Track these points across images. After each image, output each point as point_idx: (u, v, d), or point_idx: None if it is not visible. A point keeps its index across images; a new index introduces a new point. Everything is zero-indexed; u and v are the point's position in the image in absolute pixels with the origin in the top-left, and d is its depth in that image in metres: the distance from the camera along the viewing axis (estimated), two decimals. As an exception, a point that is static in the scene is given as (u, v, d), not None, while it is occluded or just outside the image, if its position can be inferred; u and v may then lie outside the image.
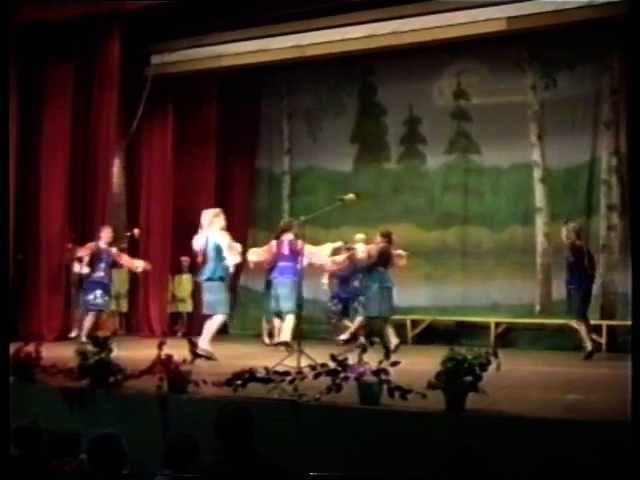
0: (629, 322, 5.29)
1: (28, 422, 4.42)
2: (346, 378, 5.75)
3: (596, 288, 11.10)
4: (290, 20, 11.09)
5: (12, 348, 7.17)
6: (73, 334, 10.95)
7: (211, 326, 9.03)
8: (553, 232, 11.57)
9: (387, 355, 5.77)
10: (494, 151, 12.04)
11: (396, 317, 11.56)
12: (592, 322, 10.67)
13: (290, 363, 7.03)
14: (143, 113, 12.01)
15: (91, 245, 10.72)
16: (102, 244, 10.71)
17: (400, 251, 10.37)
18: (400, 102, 12.67)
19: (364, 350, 5.92)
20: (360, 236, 10.96)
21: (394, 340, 9.89)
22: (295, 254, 9.08)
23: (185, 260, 12.68)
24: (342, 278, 11.25)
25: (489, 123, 11.99)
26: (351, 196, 8.45)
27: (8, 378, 5.83)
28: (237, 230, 13.31)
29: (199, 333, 10.60)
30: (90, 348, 6.68)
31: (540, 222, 11.73)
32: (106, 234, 10.76)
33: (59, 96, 11.29)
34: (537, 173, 11.79)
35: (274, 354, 8.15)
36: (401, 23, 10.61)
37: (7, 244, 7.61)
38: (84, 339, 9.27)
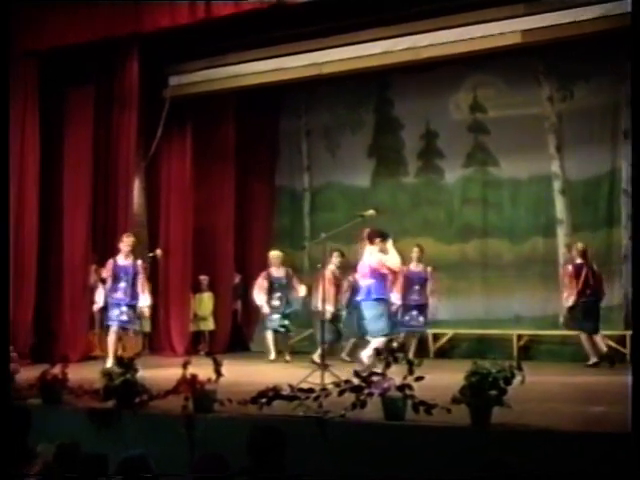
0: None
1: (69, 441, 4.52)
2: (370, 394, 5.76)
3: (620, 298, 11.11)
4: (307, 38, 11.15)
5: (38, 370, 7.28)
6: None
7: None
8: (575, 243, 11.55)
9: (411, 370, 5.74)
10: (512, 163, 12.03)
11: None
12: (616, 332, 10.72)
13: (314, 380, 7.04)
14: (162, 134, 12.13)
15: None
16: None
17: None
18: (417, 116, 12.70)
19: (388, 366, 5.90)
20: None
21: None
22: (376, 272, 8.73)
23: (204, 279, 12.76)
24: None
25: (507, 136, 11.99)
26: (371, 212, 8.48)
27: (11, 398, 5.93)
28: (258, 248, 13.45)
29: (221, 351, 10.72)
30: (116, 369, 6.73)
31: (561, 233, 11.71)
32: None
33: (80, 119, 11.39)
34: (557, 185, 11.78)
35: (298, 371, 8.15)
36: (417, 39, 10.62)
37: (7, 260, 7.68)
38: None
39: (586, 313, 10.27)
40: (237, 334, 13.36)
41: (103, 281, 10.39)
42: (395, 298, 10.46)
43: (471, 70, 12.09)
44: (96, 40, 10.51)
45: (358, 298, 9.01)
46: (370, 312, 8.71)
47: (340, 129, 13.36)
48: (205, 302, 12.89)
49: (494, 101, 12.19)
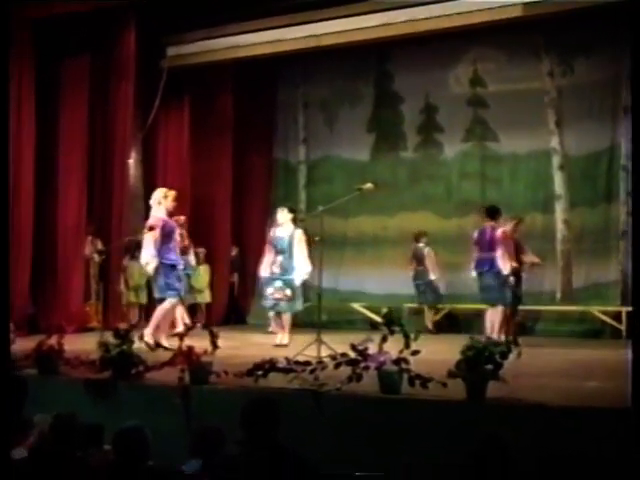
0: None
1: (66, 412, 4.53)
2: (366, 367, 5.76)
3: (617, 274, 11.12)
4: (305, 9, 11.06)
5: (34, 341, 7.28)
6: None
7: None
8: (573, 219, 11.54)
9: (407, 344, 5.74)
10: (512, 138, 11.99)
11: (414, 305, 11.67)
12: (612, 308, 10.70)
13: (310, 353, 7.04)
14: (159, 105, 12.03)
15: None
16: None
17: None
18: (417, 90, 12.63)
19: (385, 339, 5.89)
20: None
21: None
22: (492, 244, 9.30)
23: (201, 251, 12.72)
24: None
25: (506, 110, 11.93)
26: (370, 185, 8.45)
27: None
28: (255, 220, 13.41)
29: (218, 323, 10.66)
30: (112, 340, 6.73)
31: (560, 209, 11.69)
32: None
33: (76, 89, 11.31)
34: (556, 160, 11.74)
35: (295, 344, 8.15)
36: (416, 11, 10.53)
37: (7, 239, 7.63)
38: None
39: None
40: (234, 307, 13.37)
41: (99, 252, 10.23)
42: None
43: (471, 44, 12.00)
44: (93, 9, 10.38)
45: (478, 269, 9.58)
46: (492, 283, 9.38)
47: (339, 102, 13.29)
48: (201, 274, 12.86)
49: (494, 75, 12.12)
